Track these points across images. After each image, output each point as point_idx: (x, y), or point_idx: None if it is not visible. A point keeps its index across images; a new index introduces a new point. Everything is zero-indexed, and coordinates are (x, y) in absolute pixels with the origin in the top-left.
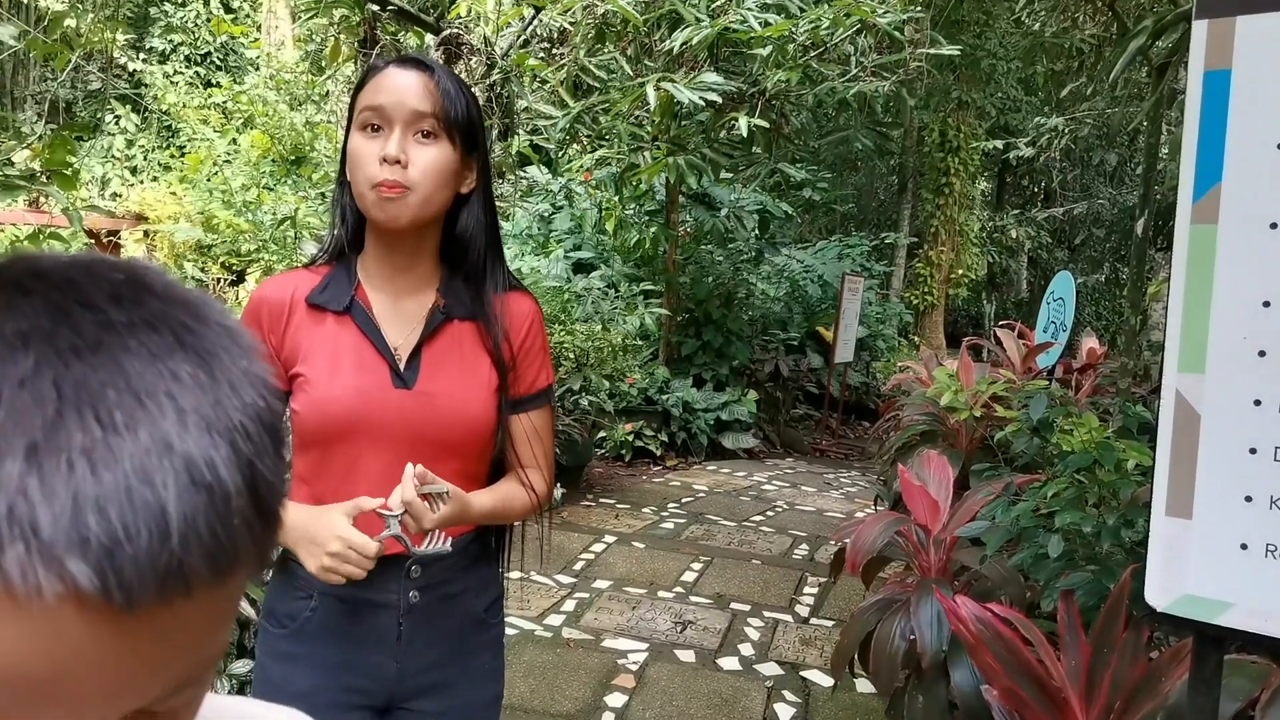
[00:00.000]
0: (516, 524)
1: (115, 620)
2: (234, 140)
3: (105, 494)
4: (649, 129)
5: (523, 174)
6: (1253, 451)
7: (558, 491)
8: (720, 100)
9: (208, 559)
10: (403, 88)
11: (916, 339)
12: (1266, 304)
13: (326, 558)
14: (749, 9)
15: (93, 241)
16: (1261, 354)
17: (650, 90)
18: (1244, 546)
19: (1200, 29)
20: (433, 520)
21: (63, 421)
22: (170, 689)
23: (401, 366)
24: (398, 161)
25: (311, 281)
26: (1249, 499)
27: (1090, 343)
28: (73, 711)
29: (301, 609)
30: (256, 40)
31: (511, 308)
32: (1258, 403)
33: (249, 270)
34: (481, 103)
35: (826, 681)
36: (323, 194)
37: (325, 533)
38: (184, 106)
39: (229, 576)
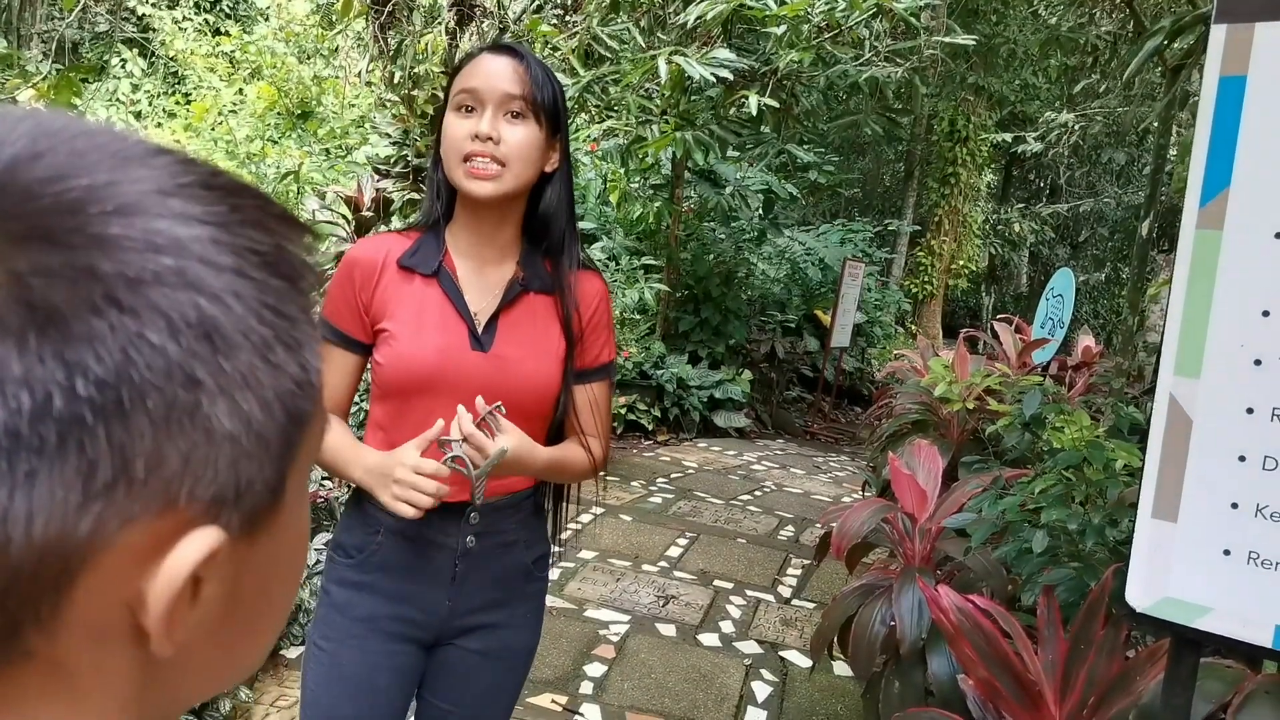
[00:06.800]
0: (570, 490)
1: None
2: (240, 91)
3: None
4: (658, 102)
5: None
6: (1241, 459)
7: None
8: (731, 77)
9: None
10: (495, 72)
11: (914, 328)
12: (1266, 313)
13: (395, 486)
14: None
15: None
16: (1257, 362)
17: (662, 63)
18: (1227, 552)
19: (1219, 33)
20: (496, 448)
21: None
22: None
23: (480, 330)
24: (490, 138)
25: (403, 245)
26: (1235, 505)
27: (1087, 341)
28: None
29: (369, 542)
30: None
31: (584, 285)
32: (1250, 411)
33: None
34: None
35: (805, 662)
36: (327, 150)
37: (393, 463)
38: (191, 53)
39: None
